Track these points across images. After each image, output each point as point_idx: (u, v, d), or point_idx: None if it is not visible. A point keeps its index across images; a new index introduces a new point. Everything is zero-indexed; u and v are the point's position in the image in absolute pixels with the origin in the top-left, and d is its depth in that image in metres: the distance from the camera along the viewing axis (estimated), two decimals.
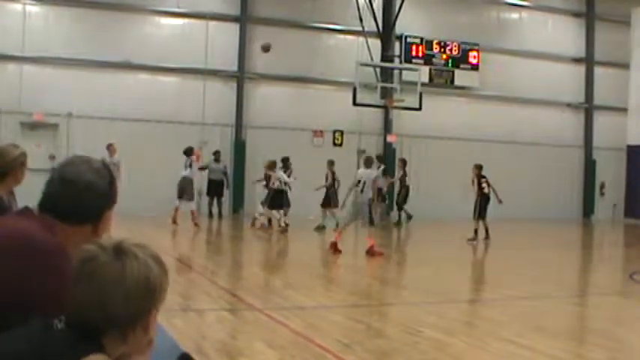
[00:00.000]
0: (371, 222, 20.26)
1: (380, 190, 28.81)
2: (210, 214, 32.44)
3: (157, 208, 31.03)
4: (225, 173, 32.99)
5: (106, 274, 2.63)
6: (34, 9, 32.90)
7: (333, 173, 29.57)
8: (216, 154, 32.72)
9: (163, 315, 3.06)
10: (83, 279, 2.66)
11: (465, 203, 29.20)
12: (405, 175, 32.64)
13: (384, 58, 34.47)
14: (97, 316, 2.62)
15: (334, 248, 20.05)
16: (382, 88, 31.97)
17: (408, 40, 38.24)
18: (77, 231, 3.32)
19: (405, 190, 32.84)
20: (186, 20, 35.12)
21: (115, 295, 2.62)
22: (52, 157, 30.44)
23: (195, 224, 26.83)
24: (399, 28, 36.24)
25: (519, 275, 17.83)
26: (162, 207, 31.08)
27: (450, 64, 39.27)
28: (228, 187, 33.56)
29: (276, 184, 27.24)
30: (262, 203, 28.15)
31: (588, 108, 43.15)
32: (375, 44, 34.21)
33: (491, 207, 26.61)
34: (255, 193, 30.82)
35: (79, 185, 3.35)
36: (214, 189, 32.54)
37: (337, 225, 23.76)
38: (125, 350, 2.78)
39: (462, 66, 39.47)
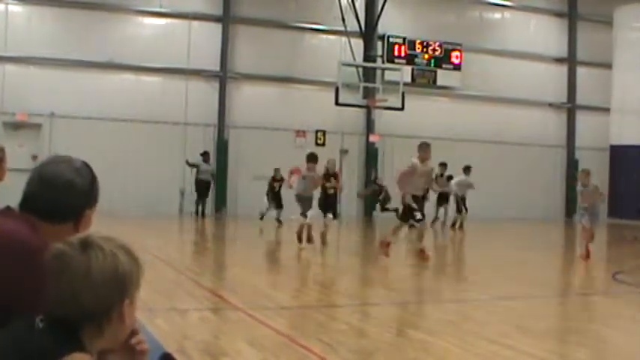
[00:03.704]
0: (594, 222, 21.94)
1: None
2: (197, 214, 32.39)
3: (140, 209, 31.03)
4: (213, 175, 33.08)
5: (73, 268, 2.67)
6: (16, 8, 32.81)
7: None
8: (205, 154, 32.81)
9: (146, 315, 3.05)
10: (54, 276, 2.69)
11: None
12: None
13: (366, 58, 34.49)
14: (70, 311, 2.66)
15: (587, 255, 20.59)
16: (364, 87, 31.98)
17: (391, 40, 38.25)
18: (58, 230, 3.29)
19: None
20: (168, 20, 35.08)
21: (85, 288, 2.66)
22: (35, 157, 30.27)
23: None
24: (382, 28, 36.29)
25: (503, 275, 17.85)
26: (145, 207, 31.15)
27: (432, 64, 39.34)
28: (214, 188, 33.69)
29: None
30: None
31: (571, 108, 43.28)
32: (358, 44, 34.25)
33: (477, 207, 26.78)
34: (240, 192, 30.70)
35: (58, 184, 3.33)
36: (202, 189, 32.54)
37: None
38: (106, 345, 2.79)
39: (444, 66, 39.55)
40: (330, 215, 22.36)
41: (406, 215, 19.56)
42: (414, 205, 19.19)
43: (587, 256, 20.30)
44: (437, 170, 30.00)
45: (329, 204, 22.72)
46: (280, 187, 29.53)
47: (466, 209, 30.95)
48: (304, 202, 22.10)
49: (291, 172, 23.26)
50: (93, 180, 3.46)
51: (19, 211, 3.35)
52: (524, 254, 23.18)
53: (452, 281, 17.36)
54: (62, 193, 3.33)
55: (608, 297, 15.29)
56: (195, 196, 32.74)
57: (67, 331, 2.64)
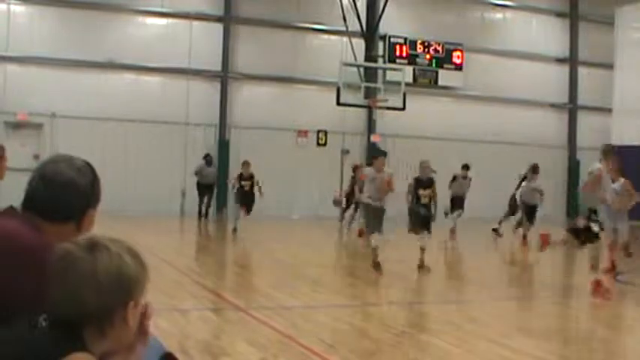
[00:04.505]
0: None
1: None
2: (199, 214, 32.20)
3: (141, 209, 31.01)
4: (216, 176, 32.87)
5: (79, 268, 2.67)
6: (18, 8, 32.75)
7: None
8: (208, 157, 32.63)
9: None
10: (58, 276, 2.69)
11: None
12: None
13: (367, 58, 34.46)
14: (73, 311, 2.65)
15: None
16: (366, 88, 31.95)
17: (392, 40, 38.23)
18: (61, 230, 3.29)
19: None
20: (169, 20, 35.02)
21: (89, 289, 2.65)
22: (36, 157, 30.23)
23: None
24: (383, 28, 36.23)
25: (503, 276, 17.85)
26: (147, 207, 31.14)
27: (433, 64, 39.28)
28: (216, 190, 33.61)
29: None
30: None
31: (572, 108, 43.23)
32: (359, 44, 34.20)
33: (478, 208, 26.66)
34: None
35: (59, 183, 3.34)
36: (203, 192, 32.31)
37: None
38: (109, 347, 2.79)
39: (445, 66, 39.48)
40: (426, 232, 18.06)
41: (583, 234, 16.18)
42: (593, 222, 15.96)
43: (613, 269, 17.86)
44: (459, 172, 28.45)
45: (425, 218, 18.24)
46: (251, 186, 25.47)
47: (532, 220, 26.63)
48: (375, 213, 17.38)
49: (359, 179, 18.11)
50: (94, 179, 3.46)
51: (22, 210, 3.36)
52: (524, 255, 23.16)
53: (452, 282, 17.36)
54: (63, 192, 3.33)
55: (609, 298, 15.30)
56: (200, 198, 32.50)
57: (69, 331, 2.64)
